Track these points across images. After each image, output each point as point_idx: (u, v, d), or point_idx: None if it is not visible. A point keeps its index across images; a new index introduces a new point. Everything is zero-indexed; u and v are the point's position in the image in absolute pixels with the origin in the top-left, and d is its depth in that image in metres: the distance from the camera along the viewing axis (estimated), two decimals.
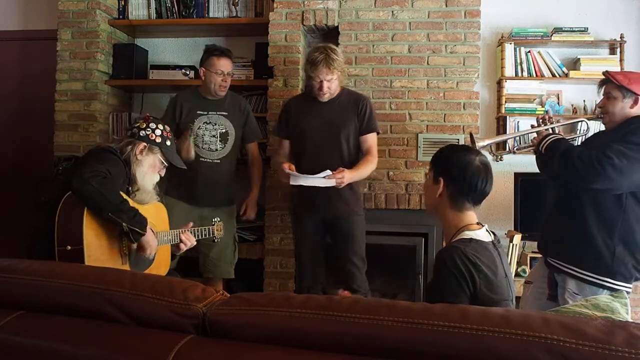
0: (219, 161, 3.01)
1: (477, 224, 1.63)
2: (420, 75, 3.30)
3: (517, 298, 1.93)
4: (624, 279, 2.10)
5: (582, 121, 2.51)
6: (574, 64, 3.51)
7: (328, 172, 2.55)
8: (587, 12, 3.58)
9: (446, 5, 3.28)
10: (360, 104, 2.77)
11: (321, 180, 2.56)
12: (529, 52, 3.49)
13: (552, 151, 2.16)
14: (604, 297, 1.33)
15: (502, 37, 3.52)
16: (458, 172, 1.62)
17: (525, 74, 3.49)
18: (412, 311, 0.98)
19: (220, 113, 3.01)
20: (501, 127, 3.53)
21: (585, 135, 2.47)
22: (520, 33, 3.49)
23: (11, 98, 4.22)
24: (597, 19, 3.56)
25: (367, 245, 2.85)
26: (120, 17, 3.83)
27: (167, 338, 1.04)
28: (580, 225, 2.14)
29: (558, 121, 2.37)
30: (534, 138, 2.33)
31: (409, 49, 3.32)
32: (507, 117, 3.49)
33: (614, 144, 2.06)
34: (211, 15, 3.75)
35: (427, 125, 3.29)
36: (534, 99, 3.52)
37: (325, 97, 2.72)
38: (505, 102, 3.49)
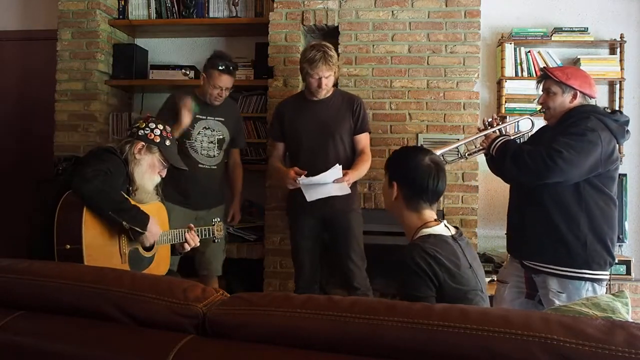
0: (215, 167, 3.01)
1: (435, 220, 1.67)
2: (420, 75, 3.30)
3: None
4: (600, 267, 2.16)
5: (526, 119, 2.58)
6: (574, 64, 3.50)
7: (337, 166, 2.56)
8: (587, 12, 3.58)
9: (446, 5, 3.28)
10: (354, 104, 2.79)
11: (335, 187, 2.58)
12: (529, 52, 3.49)
13: (502, 153, 2.23)
14: (604, 296, 1.33)
15: (502, 37, 3.52)
16: (409, 175, 1.66)
17: (525, 74, 3.49)
18: (412, 311, 0.98)
19: (218, 119, 2.99)
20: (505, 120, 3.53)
21: (531, 131, 2.53)
22: (520, 33, 3.49)
23: (11, 98, 4.22)
24: (597, 19, 3.56)
25: (367, 245, 2.84)
26: (120, 17, 3.83)
27: (167, 338, 1.04)
28: (547, 224, 2.19)
29: (503, 121, 2.45)
30: (483, 141, 2.39)
31: (409, 49, 3.32)
32: (507, 117, 3.49)
33: (559, 137, 2.14)
34: (211, 15, 3.75)
35: (427, 125, 3.29)
36: (534, 99, 3.51)
37: (322, 94, 2.73)
38: (505, 102, 3.49)
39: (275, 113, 2.93)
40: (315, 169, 2.59)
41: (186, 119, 2.80)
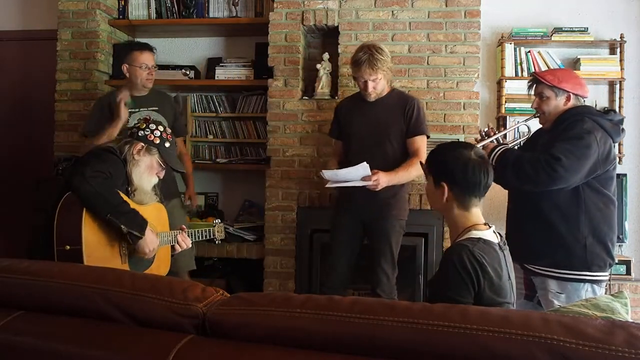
0: None
1: (485, 224, 1.62)
2: (420, 75, 3.30)
3: None
4: (599, 269, 2.16)
5: (522, 124, 2.58)
6: (574, 64, 3.51)
7: (365, 164, 2.49)
8: (587, 12, 3.58)
9: (446, 5, 3.28)
10: (407, 105, 2.69)
11: (357, 179, 2.52)
12: (529, 52, 3.49)
13: (502, 163, 2.22)
14: (604, 297, 1.33)
15: (502, 37, 3.52)
16: (459, 173, 1.57)
17: (525, 74, 3.49)
18: (412, 311, 0.98)
19: (152, 109, 2.97)
20: (501, 127, 3.53)
21: (529, 135, 2.54)
22: (520, 33, 3.49)
23: (11, 98, 4.22)
24: (597, 19, 3.55)
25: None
26: (120, 17, 3.83)
27: (167, 338, 1.04)
28: (547, 228, 2.19)
29: (500, 131, 2.47)
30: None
31: (409, 49, 3.31)
32: (507, 117, 3.49)
33: (557, 142, 2.14)
34: (211, 15, 3.75)
35: (427, 126, 3.28)
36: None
37: (372, 97, 2.68)
38: (505, 102, 3.49)
39: (334, 111, 2.94)
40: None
41: (124, 113, 2.76)
